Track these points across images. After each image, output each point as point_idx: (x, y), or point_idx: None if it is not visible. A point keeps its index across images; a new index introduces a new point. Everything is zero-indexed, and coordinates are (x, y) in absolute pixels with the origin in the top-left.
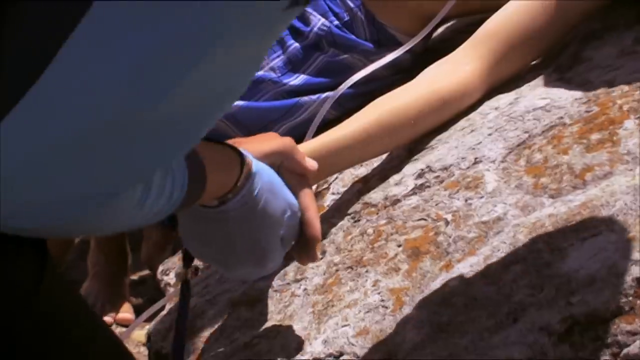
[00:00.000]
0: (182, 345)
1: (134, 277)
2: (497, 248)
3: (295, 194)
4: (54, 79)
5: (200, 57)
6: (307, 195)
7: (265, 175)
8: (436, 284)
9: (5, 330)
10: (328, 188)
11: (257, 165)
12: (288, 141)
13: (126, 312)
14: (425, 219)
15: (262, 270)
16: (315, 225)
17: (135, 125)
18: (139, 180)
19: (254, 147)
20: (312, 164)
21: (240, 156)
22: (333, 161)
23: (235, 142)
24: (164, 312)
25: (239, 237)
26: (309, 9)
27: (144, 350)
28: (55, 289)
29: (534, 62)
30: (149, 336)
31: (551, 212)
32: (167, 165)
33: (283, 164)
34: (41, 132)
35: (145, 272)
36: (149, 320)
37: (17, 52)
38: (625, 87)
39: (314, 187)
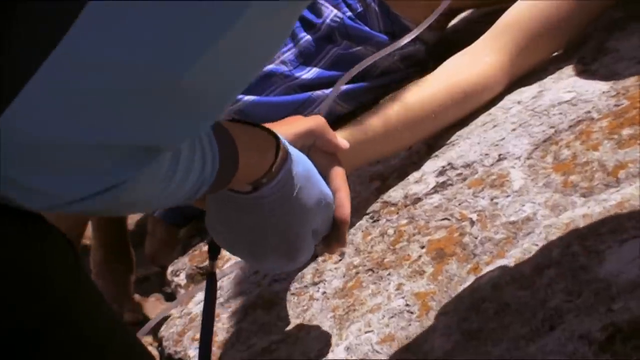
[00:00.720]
0: (210, 343)
1: (138, 274)
2: (528, 250)
3: (326, 175)
4: (76, 37)
5: (232, 21)
6: (338, 175)
7: (302, 163)
8: (464, 288)
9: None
10: None
11: (293, 152)
12: (320, 119)
13: (132, 311)
14: (448, 219)
15: (292, 263)
16: (346, 207)
17: (163, 90)
18: (165, 145)
19: (285, 130)
20: (343, 143)
21: (276, 139)
22: (350, 157)
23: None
24: (176, 315)
25: (271, 225)
26: (320, 0)
27: (152, 350)
28: (88, 288)
29: (555, 54)
30: (161, 340)
31: (585, 212)
32: (194, 137)
33: (315, 143)
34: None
35: (150, 269)
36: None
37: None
38: None
39: None
